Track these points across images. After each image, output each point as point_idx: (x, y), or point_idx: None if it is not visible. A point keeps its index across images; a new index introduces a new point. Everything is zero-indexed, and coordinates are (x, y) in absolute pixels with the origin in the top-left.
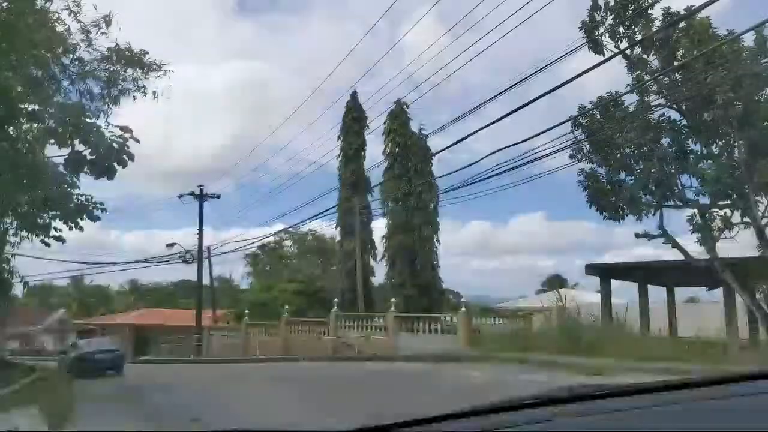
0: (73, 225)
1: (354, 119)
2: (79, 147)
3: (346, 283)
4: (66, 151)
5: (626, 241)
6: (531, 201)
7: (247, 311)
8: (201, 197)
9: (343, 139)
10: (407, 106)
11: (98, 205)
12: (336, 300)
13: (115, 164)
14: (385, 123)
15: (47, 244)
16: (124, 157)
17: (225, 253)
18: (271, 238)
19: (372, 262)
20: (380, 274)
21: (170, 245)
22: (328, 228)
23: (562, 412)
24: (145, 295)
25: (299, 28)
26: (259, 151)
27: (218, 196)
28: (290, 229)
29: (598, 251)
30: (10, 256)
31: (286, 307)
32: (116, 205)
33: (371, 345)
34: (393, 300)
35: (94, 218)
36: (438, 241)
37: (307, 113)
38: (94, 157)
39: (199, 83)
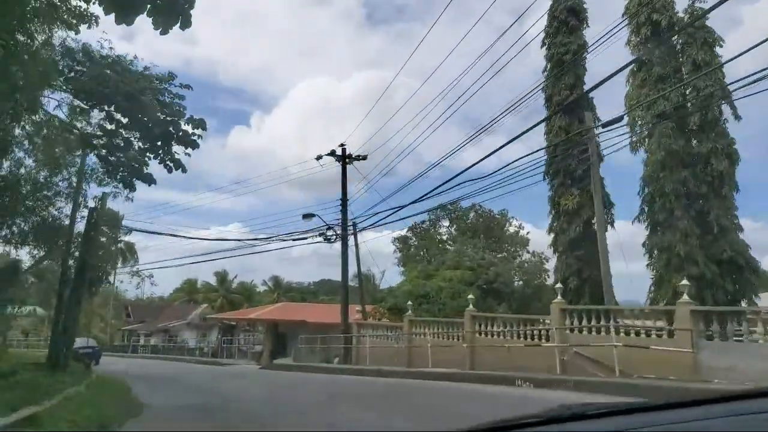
0: (170, 163)
1: (570, 11)
2: None
3: (569, 261)
4: None
5: None
6: None
7: (409, 303)
8: (344, 158)
9: (551, 43)
10: None
11: (198, 125)
12: (558, 286)
13: None
14: None
15: (131, 188)
16: None
17: (370, 227)
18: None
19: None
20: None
21: (307, 216)
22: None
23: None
24: (286, 292)
25: (423, 33)
26: (389, 154)
27: (365, 158)
28: (448, 206)
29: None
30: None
31: (470, 297)
32: (260, 212)
33: (645, 361)
34: (684, 282)
35: (193, 145)
36: (736, 186)
37: (435, 116)
38: None
39: (331, 94)
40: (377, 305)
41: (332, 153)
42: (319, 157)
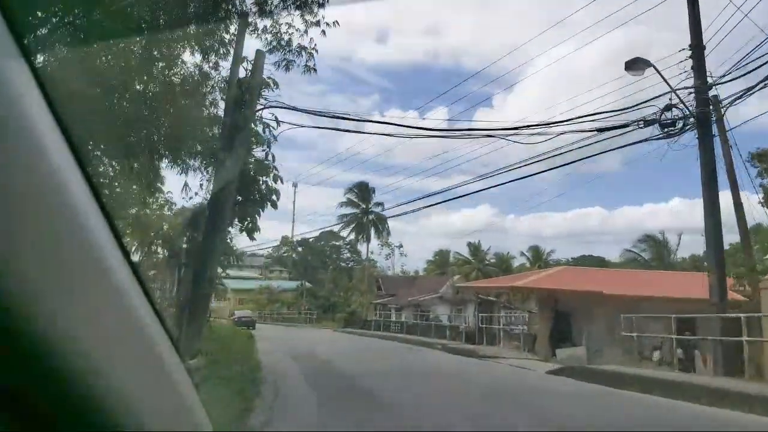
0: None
1: None
2: None
3: None
4: None
5: None
6: None
7: None
8: None
9: None
10: None
11: None
12: None
13: None
14: None
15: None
16: None
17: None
18: None
19: None
20: None
21: (635, 63)
22: None
23: None
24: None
25: None
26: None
27: None
28: None
29: None
30: None
31: None
32: (511, 192)
33: None
34: None
35: None
36: None
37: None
38: None
39: (574, 61)
40: None
41: None
42: None
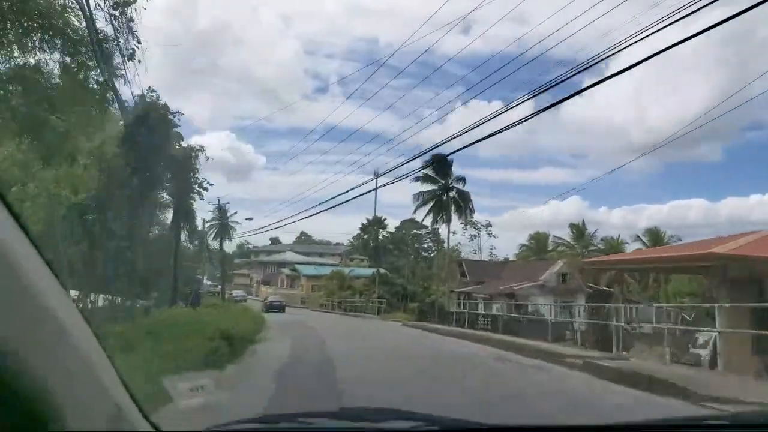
0: None
1: None
2: None
3: None
4: None
5: None
6: None
7: None
8: None
9: None
10: None
11: None
12: None
13: None
14: None
15: None
16: None
17: None
18: None
19: None
20: None
21: None
22: None
23: None
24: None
25: None
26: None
27: None
28: None
29: None
30: None
31: None
32: (602, 183)
33: None
34: None
35: None
36: None
37: None
38: None
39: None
40: None
41: None
42: None
